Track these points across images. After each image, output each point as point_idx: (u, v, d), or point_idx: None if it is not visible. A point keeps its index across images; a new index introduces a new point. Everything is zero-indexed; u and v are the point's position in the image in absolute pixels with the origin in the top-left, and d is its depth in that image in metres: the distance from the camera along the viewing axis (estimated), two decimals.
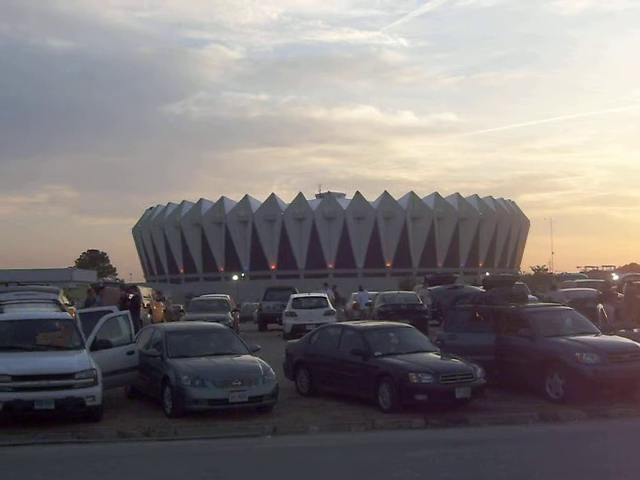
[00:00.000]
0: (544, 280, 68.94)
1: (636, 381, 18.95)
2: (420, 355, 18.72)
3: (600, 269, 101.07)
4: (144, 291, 41.41)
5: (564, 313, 21.71)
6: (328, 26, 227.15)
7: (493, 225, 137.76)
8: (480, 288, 29.27)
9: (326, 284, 47.18)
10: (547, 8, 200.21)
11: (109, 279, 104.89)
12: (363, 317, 37.90)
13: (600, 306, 29.14)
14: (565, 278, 66.40)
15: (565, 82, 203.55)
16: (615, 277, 62.29)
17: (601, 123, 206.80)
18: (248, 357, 18.86)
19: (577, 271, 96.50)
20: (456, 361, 18.54)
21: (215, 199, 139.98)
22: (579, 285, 48.00)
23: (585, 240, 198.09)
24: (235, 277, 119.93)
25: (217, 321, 26.22)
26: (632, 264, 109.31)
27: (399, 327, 21.10)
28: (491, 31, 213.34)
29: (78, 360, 16.89)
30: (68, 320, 18.71)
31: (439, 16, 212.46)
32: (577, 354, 18.63)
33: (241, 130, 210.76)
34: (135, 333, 20.16)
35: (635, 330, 23.14)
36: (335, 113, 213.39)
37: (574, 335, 19.69)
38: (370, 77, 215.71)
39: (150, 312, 39.13)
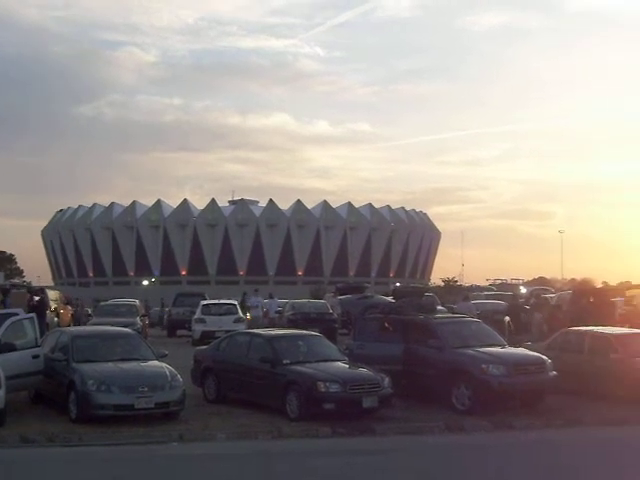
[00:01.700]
0: (454, 291, 69.85)
1: (541, 393, 19.31)
2: (328, 364, 18.73)
3: (509, 282, 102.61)
4: (51, 294, 40.78)
5: (472, 325, 21.99)
6: (244, 32, 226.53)
7: (405, 236, 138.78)
8: (390, 298, 29.48)
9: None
10: (462, 23, 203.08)
11: (16, 281, 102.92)
12: (273, 325, 37.83)
13: (507, 318, 29.64)
14: (474, 290, 67.47)
15: (479, 96, 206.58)
16: (523, 290, 63.49)
17: (513, 137, 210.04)
18: (155, 363, 18.67)
19: (486, 283, 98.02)
20: (364, 370, 18.63)
21: (127, 203, 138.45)
22: (487, 297, 48.85)
23: (495, 253, 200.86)
24: (145, 282, 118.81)
25: (125, 326, 25.87)
26: (540, 278, 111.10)
27: (308, 335, 21.13)
28: (407, 43, 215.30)
29: None
30: None
31: (356, 26, 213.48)
32: (483, 365, 18.85)
33: (155, 134, 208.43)
34: (41, 336, 19.80)
35: (541, 342, 23.58)
36: (250, 120, 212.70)
37: (481, 347, 19.94)
38: (286, 85, 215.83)
39: (57, 315, 38.54)
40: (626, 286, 75.58)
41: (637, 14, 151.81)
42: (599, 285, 78.52)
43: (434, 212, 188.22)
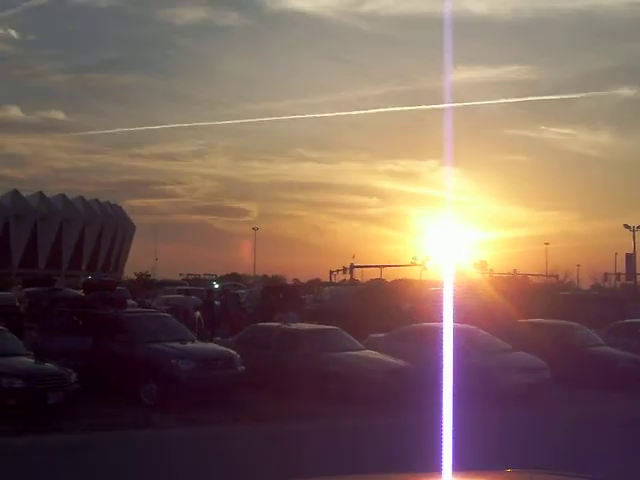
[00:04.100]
0: (147, 286, 69.49)
1: (230, 387, 19.50)
2: (12, 359, 17.98)
3: (202, 277, 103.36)
4: None
5: (162, 319, 21.91)
6: None
7: (98, 228, 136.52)
8: (80, 292, 28.89)
9: None
10: (162, 15, 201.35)
11: None
12: None
13: (198, 313, 29.78)
14: (167, 285, 67.37)
15: (177, 91, 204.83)
16: (216, 286, 64.22)
17: (210, 134, 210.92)
18: None
19: (180, 278, 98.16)
20: (49, 365, 18.04)
21: None
22: (180, 292, 49.02)
23: (190, 248, 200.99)
24: None
25: None
26: (233, 273, 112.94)
27: None
28: (105, 32, 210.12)
29: None
30: None
31: (52, 11, 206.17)
32: (173, 360, 18.84)
33: None
34: None
35: (230, 339, 23.89)
36: None
37: (171, 341, 19.89)
38: None
39: None
40: (316, 283, 78.66)
41: (331, 17, 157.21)
42: (290, 282, 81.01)
43: (129, 205, 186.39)
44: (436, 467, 3.39)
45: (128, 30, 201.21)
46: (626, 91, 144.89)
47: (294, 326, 23.29)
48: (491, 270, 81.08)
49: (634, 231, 78.40)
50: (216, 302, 33.92)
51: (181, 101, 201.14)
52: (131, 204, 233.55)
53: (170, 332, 20.75)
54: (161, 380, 18.73)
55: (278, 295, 36.83)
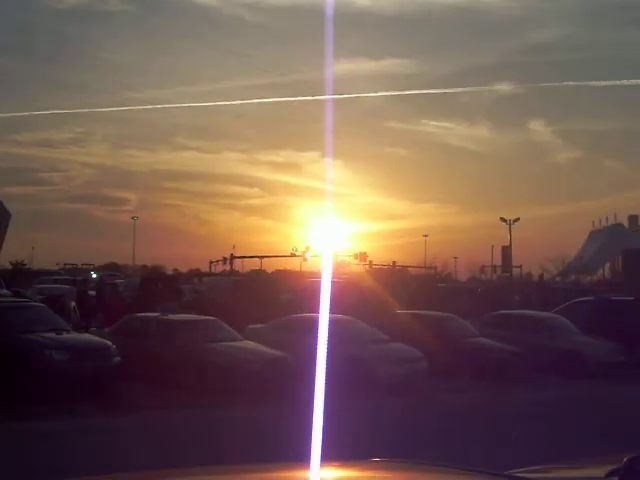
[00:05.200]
0: (23, 275, 68.10)
1: (105, 378, 19.27)
2: None
3: (80, 267, 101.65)
4: None
5: (36, 309, 21.52)
6: None
7: None
8: None
9: None
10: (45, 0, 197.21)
11: None
12: None
13: (73, 303, 29.36)
14: (43, 274, 66.16)
15: (57, 77, 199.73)
16: (94, 275, 63.44)
17: (89, 121, 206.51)
18: None
19: (56, 267, 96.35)
20: None
21: None
22: (56, 282, 48.30)
23: (68, 237, 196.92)
24: None
25: None
26: (112, 263, 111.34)
27: None
28: None
29: None
30: None
31: None
32: (46, 351, 18.53)
33: None
34: None
35: (106, 329, 23.63)
36: None
37: (45, 332, 19.54)
38: None
39: None
40: (195, 274, 78.32)
41: (215, 6, 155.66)
42: (170, 272, 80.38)
43: (5, 192, 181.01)
44: (305, 458, 3.39)
45: (7, 13, 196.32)
46: (504, 87, 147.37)
47: (171, 316, 23.13)
48: (371, 262, 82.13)
49: (510, 224, 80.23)
50: (90, 292, 33.43)
51: (61, 87, 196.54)
52: (7, 191, 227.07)
53: (44, 322, 20.37)
54: (35, 371, 18.36)
55: (156, 285, 36.53)
